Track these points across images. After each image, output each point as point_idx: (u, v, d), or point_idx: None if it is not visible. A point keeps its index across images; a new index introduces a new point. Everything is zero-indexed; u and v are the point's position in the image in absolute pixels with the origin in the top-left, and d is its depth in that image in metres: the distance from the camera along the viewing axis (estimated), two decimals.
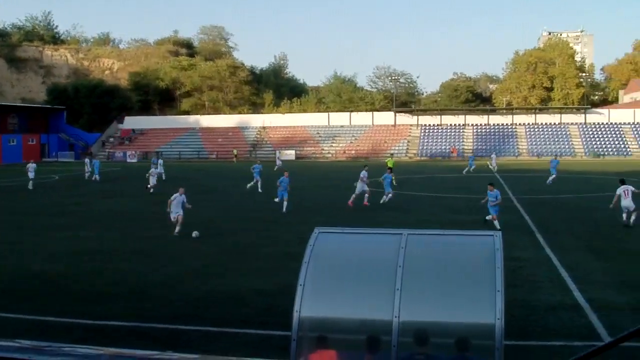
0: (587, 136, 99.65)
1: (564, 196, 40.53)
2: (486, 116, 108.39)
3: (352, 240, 9.67)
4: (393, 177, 41.55)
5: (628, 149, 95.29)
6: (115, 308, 15.96)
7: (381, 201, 36.53)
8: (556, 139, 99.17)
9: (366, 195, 36.65)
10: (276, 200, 35.88)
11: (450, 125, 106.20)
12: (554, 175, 49.35)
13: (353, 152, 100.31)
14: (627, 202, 28.39)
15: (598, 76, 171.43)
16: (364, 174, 37.61)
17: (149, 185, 46.51)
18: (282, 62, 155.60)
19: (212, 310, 15.72)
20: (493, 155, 71.81)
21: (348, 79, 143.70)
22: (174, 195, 27.56)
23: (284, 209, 33.89)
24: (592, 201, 37.55)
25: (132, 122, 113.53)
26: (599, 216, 31.51)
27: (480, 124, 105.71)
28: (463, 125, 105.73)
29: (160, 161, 59.25)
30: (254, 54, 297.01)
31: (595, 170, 66.64)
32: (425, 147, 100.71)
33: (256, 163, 49.55)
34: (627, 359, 11.28)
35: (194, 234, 26.39)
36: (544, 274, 19.50)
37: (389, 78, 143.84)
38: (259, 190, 44.34)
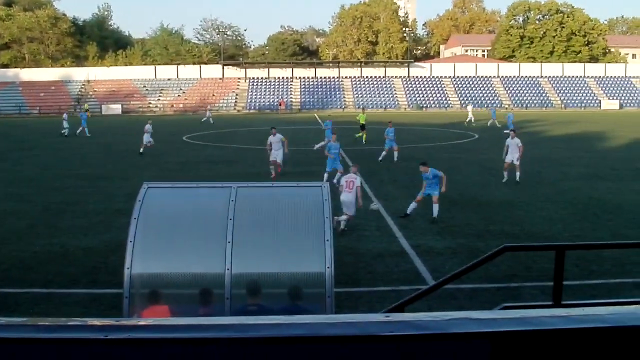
0: (410, 89, 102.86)
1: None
2: (313, 69, 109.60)
3: (181, 195, 9.62)
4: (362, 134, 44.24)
5: (448, 101, 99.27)
6: None
7: (395, 158, 35.19)
8: (381, 92, 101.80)
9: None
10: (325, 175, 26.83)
11: (278, 78, 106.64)
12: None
13: (181, 105, 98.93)
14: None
15: (420, 31, 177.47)
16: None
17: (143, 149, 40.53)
18: (106, 13, 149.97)
19: (40, 271, 15.22)
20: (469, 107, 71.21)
21: (175, 31, 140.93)
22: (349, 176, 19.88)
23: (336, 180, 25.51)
24: (414, 151, 38.91)
25: None
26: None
27: (308, 77, 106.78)
28: (290, 78, 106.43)
29: (65, 115, 56.20)
30: (76, 4, 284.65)
31: (418, 122, 69.02)
32: (253, 100, 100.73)
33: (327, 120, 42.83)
34: (447, 299, 11.94)
35: (374, 205, 21.30)
36: (371, 223, 20.13)
37: (217, 30, 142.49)
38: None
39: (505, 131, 48.64)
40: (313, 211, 8.69)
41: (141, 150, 39.61)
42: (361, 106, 78.59)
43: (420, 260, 15.67)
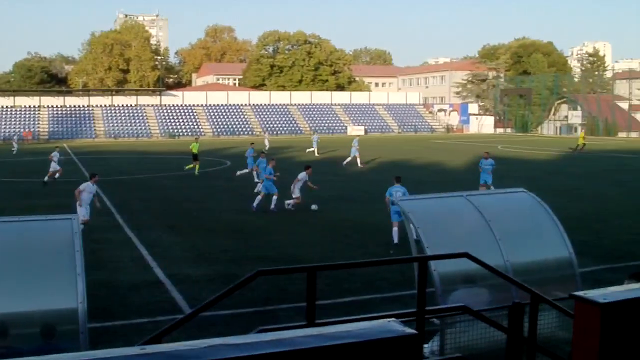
0: (162, 117, 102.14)
1: (142, 176, 41.24)
2: (62, 97, 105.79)
3: None
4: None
5: (201, 129, 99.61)
6: None
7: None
8: (133, 121, 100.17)
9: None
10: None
11: (25, 107, 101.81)
12: (351, 157, 48.82)
13: None
14: None
15: (173, 59, 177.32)
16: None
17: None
18: None
19: None
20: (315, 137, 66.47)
21: None
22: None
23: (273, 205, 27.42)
24: (167, 180, 38.69)
25: None
26: (175, 194, 32.67)
27: (56, 106, 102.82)
28: (38, 107, 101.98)
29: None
30: None
31: (170, 150, 68.69)
32: None
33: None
34: (206, 326, 11.92)
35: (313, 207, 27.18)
36: (125, 254, 19.72)
37: None
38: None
39: (346, 161, 49.13)
40: (63, 245, 8.37)
41: (45, 179, 37.66)
42: (194, 135, 76.73)
43: (177, 290, 15.55)
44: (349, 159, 48.56)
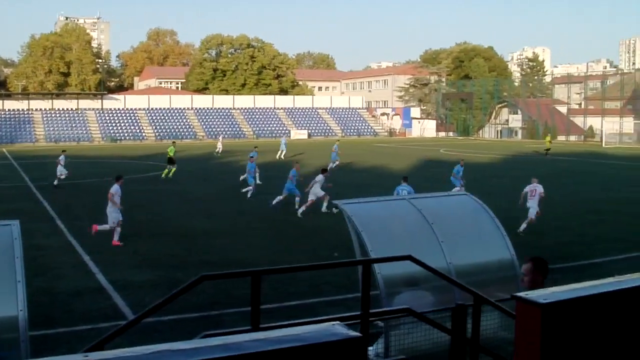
0: (104, 121, 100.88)
1: (85, 181, 40.63)
2: (1, 101, 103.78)
3: None
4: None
5: (143, 134, 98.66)
6: None
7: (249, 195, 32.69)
8: (74, 125, 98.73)
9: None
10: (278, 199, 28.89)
11: None
12: (337, 162, 49.10)
13: None
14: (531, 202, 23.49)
15: (114, 63, 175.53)
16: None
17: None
18: None
19: None
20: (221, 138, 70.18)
21: None
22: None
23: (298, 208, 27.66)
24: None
25: None
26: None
27: None
28: None
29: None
30: None
31: (112, 154, 67.91)
32: None
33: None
34: (150, 332, 11.80)
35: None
36: (67, 260, 19.42)
37: None
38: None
39: (331, 165, 48.88)
40: (2, 251, 8.20)
41: (55, 182, 37.47)
42: (171, 138, 75.72)
43: (120, 296, 15.37)
44: (336, 163, 48.64)
